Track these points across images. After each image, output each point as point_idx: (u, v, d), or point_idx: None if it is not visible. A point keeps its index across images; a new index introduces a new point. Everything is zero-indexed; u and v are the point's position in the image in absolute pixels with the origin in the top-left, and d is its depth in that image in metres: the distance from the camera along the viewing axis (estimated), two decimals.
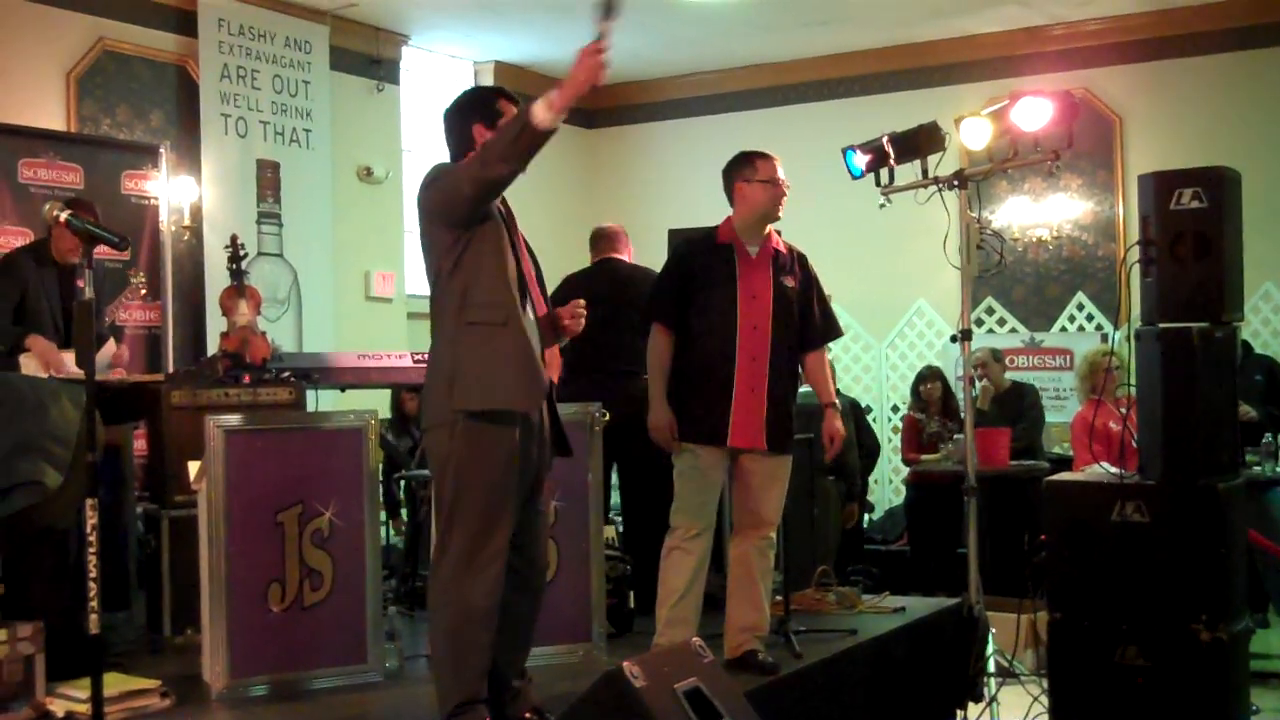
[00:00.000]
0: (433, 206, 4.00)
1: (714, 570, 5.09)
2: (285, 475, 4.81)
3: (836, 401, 5.18)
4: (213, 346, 7.35)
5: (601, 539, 5.39)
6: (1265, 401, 7.63)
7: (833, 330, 5.27)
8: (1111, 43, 10.32)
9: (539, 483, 4.18)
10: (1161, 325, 5.29)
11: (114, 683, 4.33)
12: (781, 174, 5.03)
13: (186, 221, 8.45)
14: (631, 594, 5.76)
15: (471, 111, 4.15)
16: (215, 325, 7.68)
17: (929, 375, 9.00)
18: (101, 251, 4.03)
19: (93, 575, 3.65)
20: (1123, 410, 6.20)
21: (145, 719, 4.40)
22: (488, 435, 3.93)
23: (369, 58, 10.10)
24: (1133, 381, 5.62)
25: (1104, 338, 9.50)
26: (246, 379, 5.74)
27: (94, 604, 3.65)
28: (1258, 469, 7.22)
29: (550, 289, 4.87)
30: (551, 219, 10.17)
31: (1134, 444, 5.51)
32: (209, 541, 4.71)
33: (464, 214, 3.94)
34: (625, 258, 6.58)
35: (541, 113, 3.71)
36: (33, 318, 6.07)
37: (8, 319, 6.03)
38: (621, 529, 6.62)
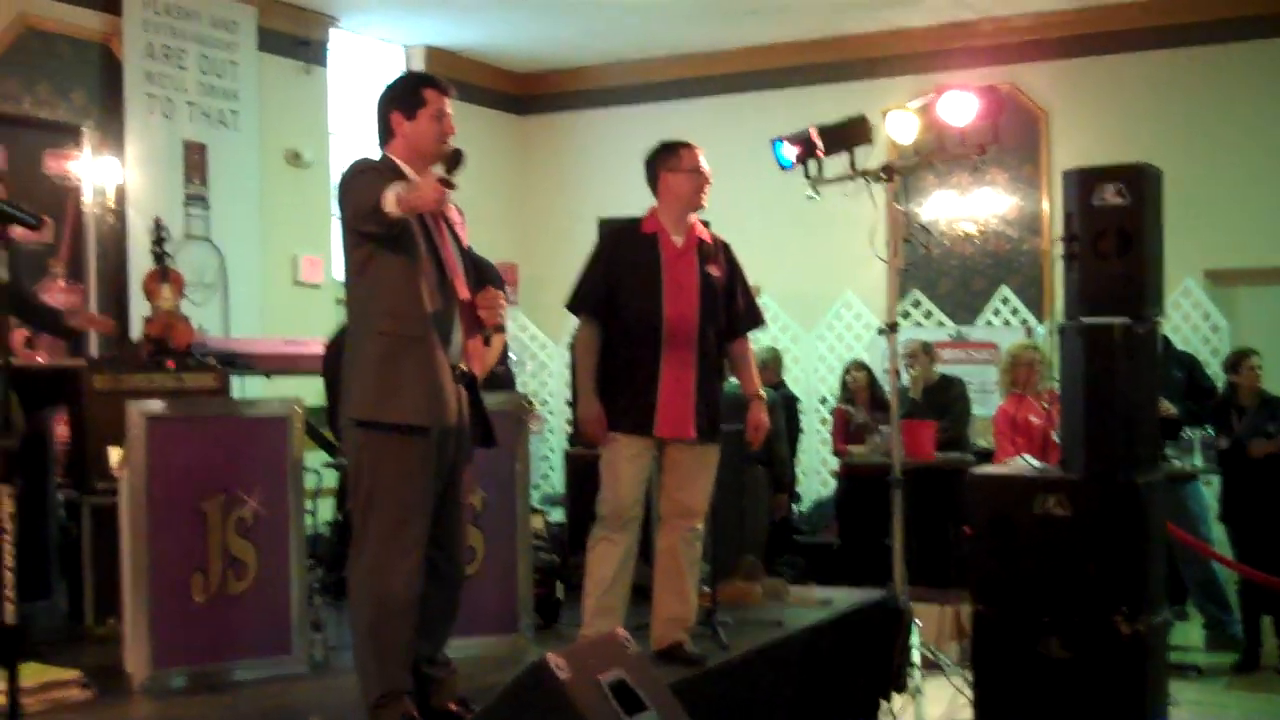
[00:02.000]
0: (341, 213, 3.99)
1: (642, 561, 5.09)
2: (208, 463, 4.74)
3: (762, 392, 5.19)
4: (136, 331, 7.24)
5: (529, 529, 5.36)
6: (1185, 397, 7.73)
7: (756, 319, 5.26)
8: (1038, 38, 10.42)
9: (455, 475, 4.15)
10: (1084, 320, 5.37)
11: (32, 673, 4.25)
12: (704, 163, 5.03)
13: (110, 203, 8.33)
14: (560, 585, 5.75)
15: (391, 101, 4.10)
16: (139, 310, 7.57)
17: (853, 366, 9.08)
18: (20, 232, 3.94)
19: (9, 564, 3.60)
20: (1045, 404, 6.30)
21: (65, 710, 4.33)
22: (396, 439, 3.92)
23: (297, 39, 9.98)
24: (1056, 376, 5.69)
25: (1028, 331, 9.60)
26: (170, 364, 5.66)
27: (10, 593, 3.60)
28: (1177, 464, 7.33)
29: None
30: (482, 206, 10.11)
31: (1056, 438, 5.58)
32: (130, 530, 4.64)
33: (359, 237, 3.96)
34: None
35: (390, 203, 3.73)
36: None
37: None
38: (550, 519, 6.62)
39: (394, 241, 3.91)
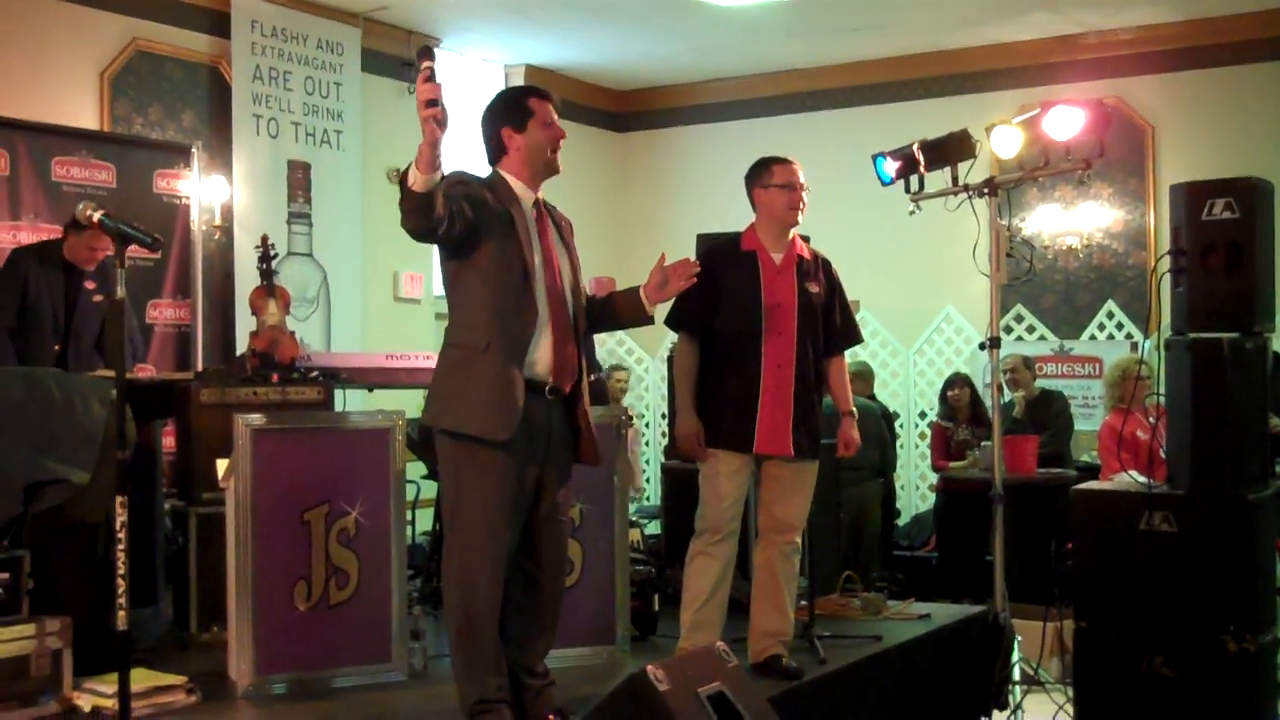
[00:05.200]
0: None
1: (740, 575, 5.09)
2: (312, 474, 4.82)
3: (854, 410, 5.16)
4: (242, 345, 7.38)
5: (626, 542, 5.39)
6: None
7: (853, 336, 5.24)
8: (1144, 51, 10.27)
9: (546, 490, 4.14)
10: (1192, 335, 5.28)
11: (140, 678, 4.35)
12: (801, 178, 5.01)
13: (217, 221, 8.49)
14: (656, 597, 5.76)
15: (499, 115, 4.16)
16: (245, 324, 7.72)
17: (956, 381, 8.97)
18: (133, 250, 4.03)
19: (121, 572, 3.67)
20: (1151, 419, 6.19)
21: (171, 715, 4.42)
22: (476, 450, 3.96)
23: (400, 60, 10.12)
24: (1162, 391, 5.60)
25: (1134, 346, 9.45)
26: (275, 378, 5.76)
27: (122, 600, 3.67)
28: None
29: None
30: (582, 221, 10.10)
31: (1162, 453, 5.49)
32: (236, 539, 4.73)
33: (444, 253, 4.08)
34: None
35: (412, 174, 3.77)
36: (34, 318, 6.11)
37: (8, 318, 6.11)
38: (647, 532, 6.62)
39: (480, 254, 3.98)
